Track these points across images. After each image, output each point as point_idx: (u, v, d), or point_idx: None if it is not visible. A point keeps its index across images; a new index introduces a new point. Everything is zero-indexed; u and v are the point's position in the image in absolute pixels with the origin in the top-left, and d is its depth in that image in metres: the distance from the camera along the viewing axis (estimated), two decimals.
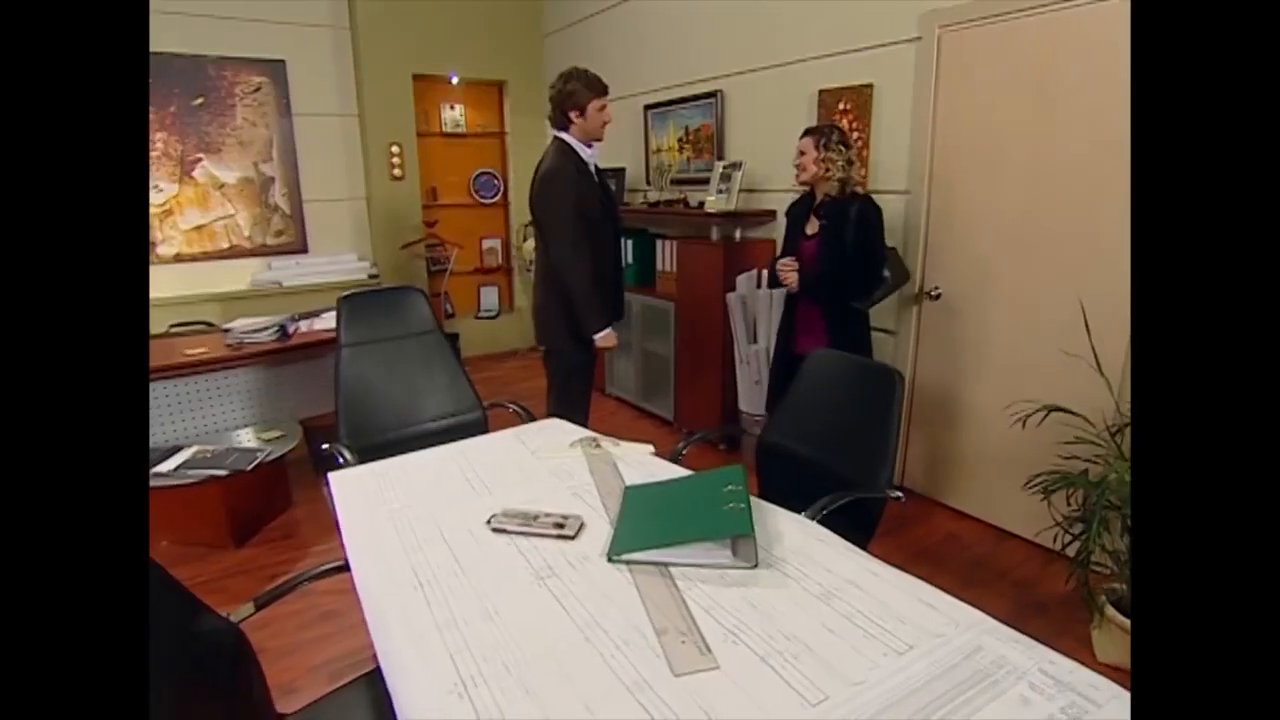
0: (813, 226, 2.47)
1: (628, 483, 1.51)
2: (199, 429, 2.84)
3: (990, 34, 2.36)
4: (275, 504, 2.88)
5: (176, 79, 4.09)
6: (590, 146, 2.46)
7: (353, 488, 1.55)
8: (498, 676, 0.93)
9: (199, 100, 4.20)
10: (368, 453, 1.87)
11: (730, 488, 1.32)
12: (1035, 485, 1.99)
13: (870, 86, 2.77)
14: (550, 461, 1.67)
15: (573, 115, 2.39)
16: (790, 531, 1.30)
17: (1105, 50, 2.07)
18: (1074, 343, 2.12)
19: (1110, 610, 1.88)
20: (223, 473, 2.48)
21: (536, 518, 1.34)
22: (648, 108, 4.06)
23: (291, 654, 2.07)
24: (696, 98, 3.68)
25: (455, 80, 4.96)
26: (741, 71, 3.40)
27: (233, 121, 4.32)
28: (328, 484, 1.60)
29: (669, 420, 3.84)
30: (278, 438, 2.78)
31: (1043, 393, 2.19)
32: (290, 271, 4.53)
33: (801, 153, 2.42)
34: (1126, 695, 0.87)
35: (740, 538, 1.21)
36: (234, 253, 4.49)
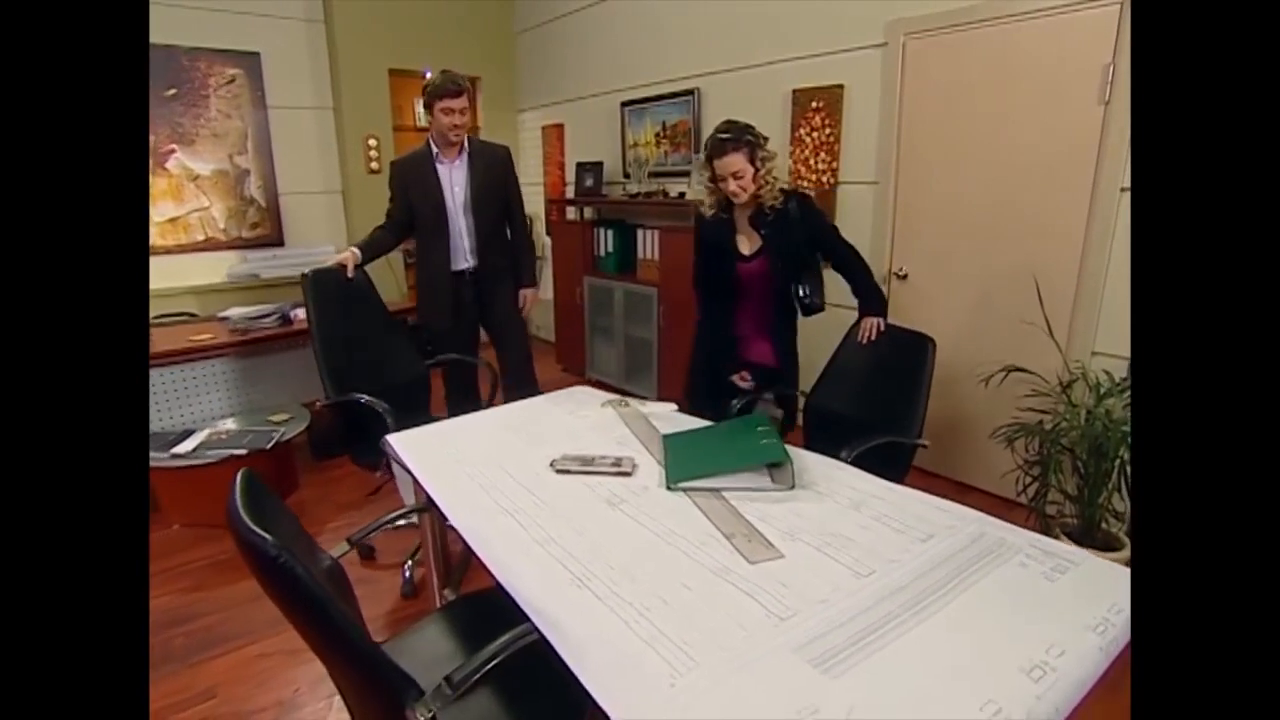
0: (749, 244, 2.18)
1: (662, 432, 1.71)
2: (204, 413, 2.89)
3: (950, 42, 2.65)
4: (285, 485, 2.95)
5: (149, 70, 4.04)
6: (442, 147, 2.57)
7: (414, 446, 1.70)
8: (604, 572, 1.12)
9: (172, 91, 4.16)
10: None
11: (761, 429, 1.55)
12: (999, 435, 2.28)
13: (841, 87, 3.04)
14: (587, 419, 1.86)
15: (427, 116, 2.58)
16: (815, 464, 1.52)
17: (1049, 57, 2.38)
18: (1027, 312, 2.43)
19: (1065, 540, 2.18)
20: (242, 451, 2.56)
21: (594, 460, 1.53)
22: (624, 104, 4.25)
23: None
24: (673, 95, 3.90)
25: (429, 75, 5.02)
26: (718, 71, 3.63)
27: (207, 113, 4.30)
28: (386, 444, 1.74)
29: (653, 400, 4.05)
30: (286, 420, 2.86)
31: (1001, 358, 2.49)
32: (267, 264, 4.52)
33: (735, 174, 2.03)
34: (1097, 559, 1.13)
35: (777, 466, 1.43)
36: (209, 245, 4.46)
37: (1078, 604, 1.01)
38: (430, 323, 2.75)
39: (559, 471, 1.50)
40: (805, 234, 2.13)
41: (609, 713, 0.85)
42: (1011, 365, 2.32)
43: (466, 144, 2.65)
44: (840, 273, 2.24)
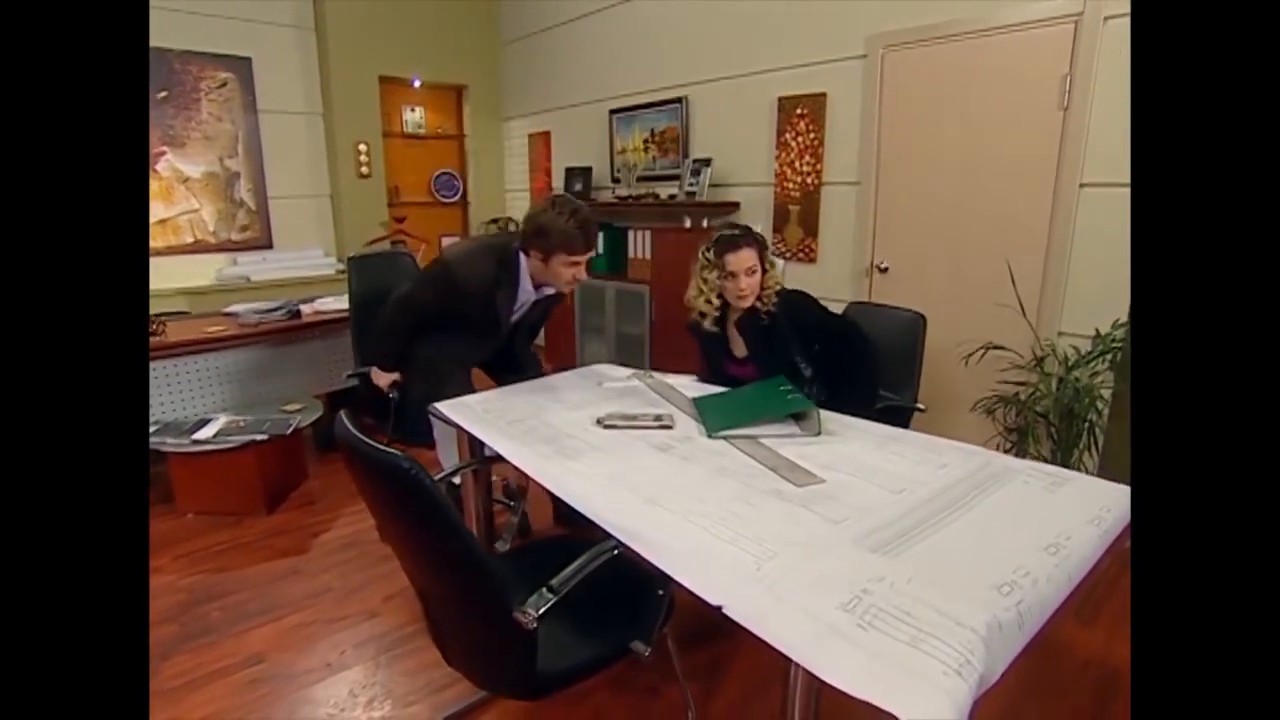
0: (740, 347, 2.07)
1: (690, 396, 1.87)
2: (218, 404, 2.93)
3: (925, 54, 2.91)
4: (297, 474, 3.01)
5: None
6: (536, 288, 2.13)
7: (463, 412, 1.82)
8: (675, 495, 1.27)
9: (163, 94, 4.19)
10: None
11: (784, 387, 1.72)
12: (979, 407, 2.52)
13: (824, 95, 3.28)
14: (616, 388, 2.01)
15: (535, 255, 2.01)
16: (834, 417, 1.70)
17: (1014, 68, 2.66)
18: (999, 297, 2.68)
19: None
20: (263, 437, 2.62)
21: (637, 416, 1.69)
22: (613, 112, 4.44)
23: (365, 587, 2.27)
24: (662, 103, 4.10)
25: (418, 84, 5.14)
26: (705, 80, 3.85)
27: (198, 116, 4.33)
28: (434, 410, 1.86)
29: None
30: (300, 409, 2.92)
31: (977, 340, 2.73)
32: (257, 267, 4.54)
33: (749, 270, 1.92)
34: (1086, 477, 1.34)
35: (804, 416, 1.61)
36: (198, 247, 4.47)
37: (1076, 506, 1.21)
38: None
39: (606, 426, 1.65)
40: (794, 336, 1.98)
41: (705, 598, 1.00)
42: (990, 343, 2.55)
43: None
44: (834, 366, 1.97)
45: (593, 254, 2.03)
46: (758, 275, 1.95)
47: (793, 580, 1.00)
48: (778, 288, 1.99)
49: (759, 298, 1.97)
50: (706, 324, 2.07)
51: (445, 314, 2.13)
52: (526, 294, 2.13)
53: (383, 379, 2.26)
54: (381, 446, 1.07)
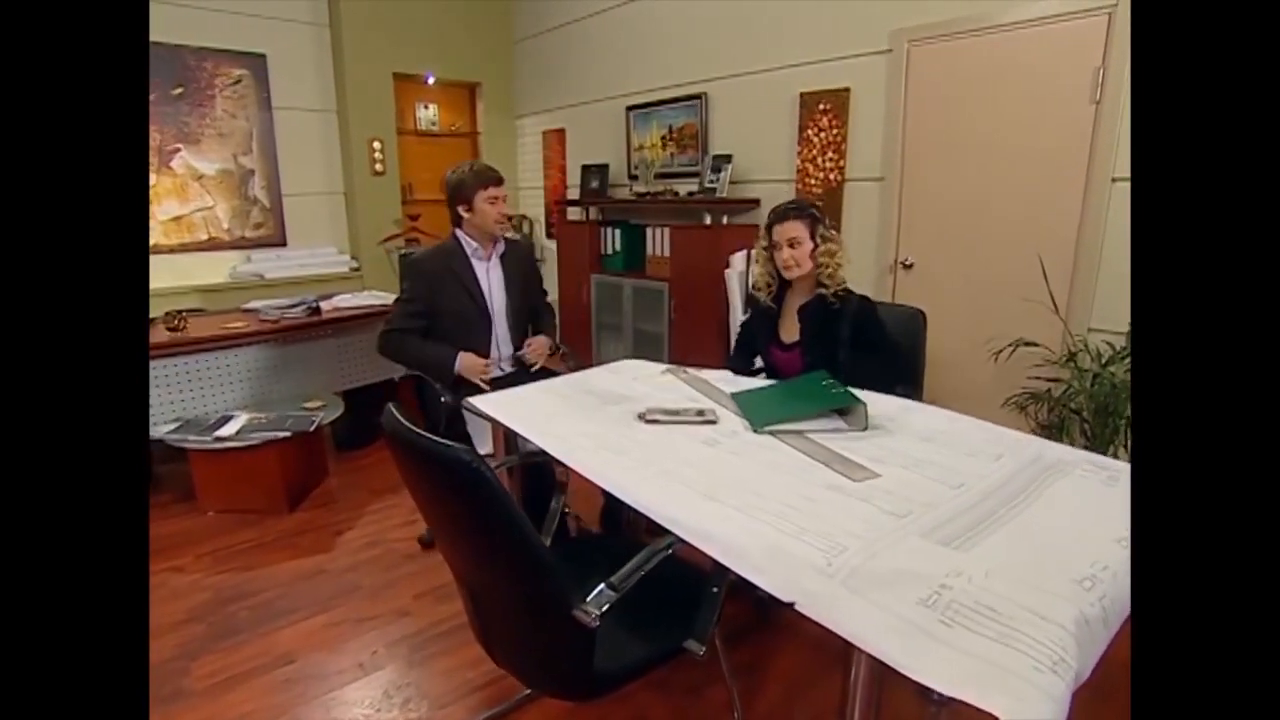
0: (790, 333, 2.10)
1: (728, 391, 1.84)
2: (238, 400, 2.91)
3: (952, 48, 2.88)
4: (318, 472, 2.99)
5: (156, 68, 4.05)
6: (486, 244, 2.38)
7: (499, 406, 1.80)
8: (732, 489, 1.25)
9: (178, 90, 4.17)
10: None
11: (827, 381, 1.70)
12: (1010, 403, 2.49)
13: (848, 90, 3.25)
14: (651, 383, 1.98)
15: (461, 210, 2.33)
16: (875, 409, 1.68)
17: (1044, 61, 2.63)
18: (1028, 291, 2.65)
19: None
20: (285, 434, 2.60)
21: (679, 412, 1.66)
22: (630, 109, 4.42)
23: (393, 586, 2.25)
24: (680, 99, 4.08)
25: (431, 80, 5.12)
26: (725, 76, 3.82)
27: (212, 113, 4.31)
28: (469, 405, 1.83)
29: None
30: (321, 406, 2.90)
31: (1004, 337, 2.70)
32: (271, 264, 4.52)
33: (792, 241, 2.00)
34: None
35: (849, 411, 1.59)
36: (212, 245, 4.45)
37: None
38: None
39: (648, 422, 1.62)
40: (850, 331, 2.00)
41: (775, 594, 0.98)
42: (1021, 339, 2.52)
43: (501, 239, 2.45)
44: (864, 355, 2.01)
45: (503, 190, 2.36)
46: (803, 248, 2.01)
47: (866, 576, 0.97)
48: (841, 274, 2.04)
49: (822, 280, 2.03)
50: (763, 296, 2.16)
51: (431, 306, 2.34)
52: (477, 255, 2.40)
53: (474, 364, 2.30)
54: (443, 440, 1.05)
